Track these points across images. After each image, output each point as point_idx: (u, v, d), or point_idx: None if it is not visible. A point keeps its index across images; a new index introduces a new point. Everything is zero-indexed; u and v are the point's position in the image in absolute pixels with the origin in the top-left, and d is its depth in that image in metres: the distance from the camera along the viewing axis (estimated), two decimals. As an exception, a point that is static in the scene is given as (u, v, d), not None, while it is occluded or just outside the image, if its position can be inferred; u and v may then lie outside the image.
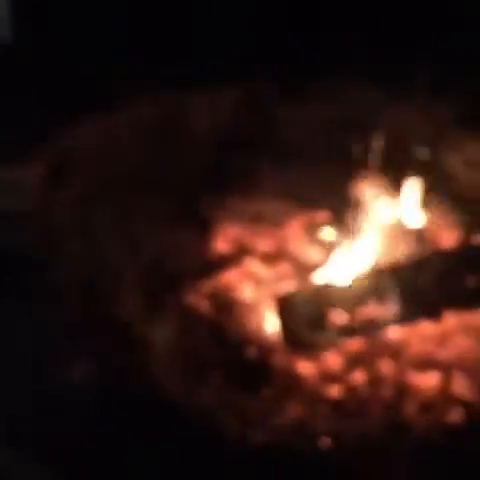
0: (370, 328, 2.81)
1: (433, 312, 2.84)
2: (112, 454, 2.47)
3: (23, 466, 2.37)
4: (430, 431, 2.54)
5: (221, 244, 3.28)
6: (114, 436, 2.52)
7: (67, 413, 2.55)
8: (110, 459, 2.46)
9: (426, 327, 2.84)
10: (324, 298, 2.86)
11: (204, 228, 3.31)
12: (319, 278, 3.02)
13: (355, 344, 2.78)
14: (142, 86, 3.63)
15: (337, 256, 3.12)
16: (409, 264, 2.98)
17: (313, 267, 3.11)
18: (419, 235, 3.27)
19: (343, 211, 3.26)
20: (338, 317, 2.81)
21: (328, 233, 3.24)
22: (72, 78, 3.90)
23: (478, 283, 2.89)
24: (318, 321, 2.81)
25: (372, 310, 2.82)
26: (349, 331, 2.80)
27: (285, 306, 2.87)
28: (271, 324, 2.88)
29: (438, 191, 3.40)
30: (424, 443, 2.51)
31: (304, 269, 3.13)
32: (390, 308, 2.81)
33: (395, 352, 2.75)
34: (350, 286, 2.90)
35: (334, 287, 2.92)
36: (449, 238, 3.28)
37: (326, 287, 2.93)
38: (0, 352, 2.80)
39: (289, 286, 3.02)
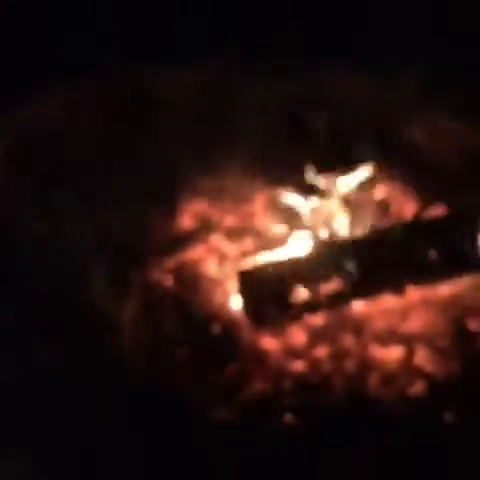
0: (333, 303, 2.82)
1: (395, 285, 2.84)
2: (80, 432, 2.46)
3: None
4: (393, 402, 2.56)
5: (186, 220, 3.27)
6: (82, 415, 2.51)
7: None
8: (79, 436, 2.46)
9: (389, 301, 2.85)
10: (287, 273, 2.86)
11: (169, 205, 3.30)
12: (282, 253, 3.00)
13: (319, 318, 2.80)
14: (107, 58, 3.58)
15: (300, 231, 3.11)
16: (370, 237, 2.99)
17: (277, 242, 3.10)
18: (382, 206, 3.27)
19: (306, 186, 3.23)
20: (301, 292, 2.83)
21: (291, 207, 3.22)
22: (34, 48, 3.75)
23: (440, 256, 2.87)
24: (281, 296, 2.82)
25: (334, 285, 2.83)
26: (312, 306, 2.81)
27: (247, 281, 2.87)
28: (235, 299, 2.89)
29: (401, 161, 3.41)
30: (387, 414, 2.53)
31: (268, 244, 3.11)
32: (352, 282, 2.83)
33: (358, 326, 2.78)
34: (312, 261, 2.90)
35: (296, 262, 2.91)
36: (411, 209, 3.27)
37: (289, 262, 2.92)
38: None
39: (253, 261, 3.00)
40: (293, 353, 2.71)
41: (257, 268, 2.93)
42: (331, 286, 2.82)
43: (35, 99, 3.42)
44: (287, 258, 2.95)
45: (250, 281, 2.86)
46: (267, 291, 2.82)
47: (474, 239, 2.86)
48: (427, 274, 2.86)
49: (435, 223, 3.03)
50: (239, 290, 2.87)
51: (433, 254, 2.86)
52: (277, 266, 2.90)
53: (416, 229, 2.98)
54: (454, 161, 3.41)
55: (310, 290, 2.81)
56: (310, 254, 2.95)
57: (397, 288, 2.84)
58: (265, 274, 2.87)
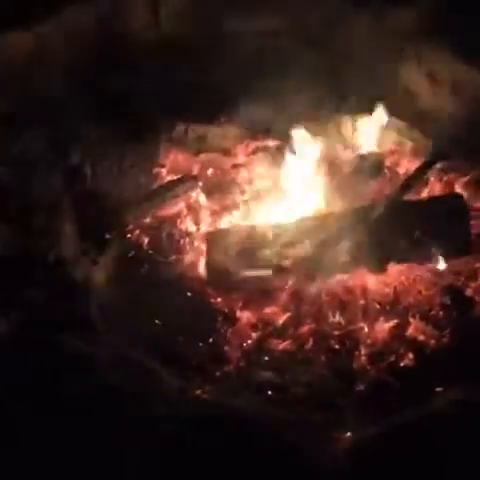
0: (301, 267, 2.56)
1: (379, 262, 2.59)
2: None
3: None
4: (382, 374, 2.38)
5: (164, 172, 3.01)
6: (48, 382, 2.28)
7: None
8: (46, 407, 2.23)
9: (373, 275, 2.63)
10: (258, 236, 2.62)
11: (147, 155, 3.02)
12: (259, 215, 2.80)
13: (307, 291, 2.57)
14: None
15: (285, 193, 2.87)
16: (354, 211, 2.70)
17: (260, 201, 2.88)
18: (376, 163, 3.01)
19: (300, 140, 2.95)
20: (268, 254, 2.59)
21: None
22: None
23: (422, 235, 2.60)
24: (247, 257, 2.57)
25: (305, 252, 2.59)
26: (277, 268, 2.55)
27: (213, 242, 2.64)
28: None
29: (398, 110, 3.15)
30: (376, 386, 2.35)
31: (251, 202, 2.89)
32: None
33: (347, 299, 2.56)
34: (288, 228, 2.64)
35: (271, 226, 2.67)
36: (407, 165, 3.06)
37: (262, 226, 2.68)
38: None
39: (227, 221, 2.81)
40: (272, 325, 2.51)
41: (226, 229, 2.71)
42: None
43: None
44: (263, 221, 2.73)
45: (216, 241, 2.63)
46: (232, 252, 2.57)
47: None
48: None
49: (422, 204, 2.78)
50: (206, 251, 2.65)
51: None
52: (249, 228, 2.66)
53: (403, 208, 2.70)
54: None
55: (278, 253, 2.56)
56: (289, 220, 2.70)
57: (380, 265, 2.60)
58: (234, 235, 2.62)
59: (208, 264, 2.61)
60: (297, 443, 2.14)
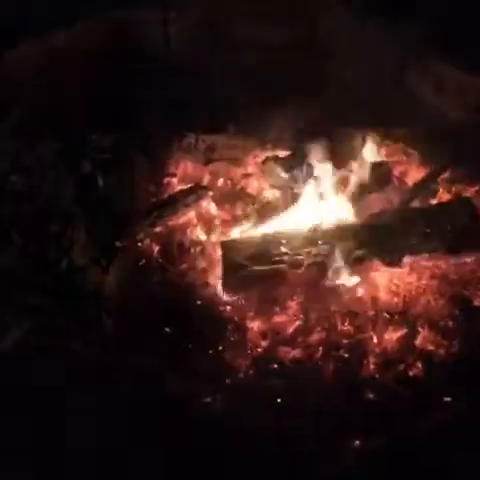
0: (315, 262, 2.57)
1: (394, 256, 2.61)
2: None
3: None
4: (391, 383, 2.36)
5: (175, 181, 3.01)
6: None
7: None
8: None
9: (390, 281, 2.63)
10: (270, 242, 2.61)
11: (158, 165, 3.02)
12: (271, 224, 2.77)
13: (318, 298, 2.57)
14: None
15: (297, 202, 2.85)
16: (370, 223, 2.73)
17: (269, 209, 2.88)
18: (385, 174, 3.00)
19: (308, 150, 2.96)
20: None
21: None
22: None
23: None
24: (260, 259, 2.57)
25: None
26: (294, 264, 2.55)
27: (228, 248, 2.62)
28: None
29: (408, 121, 3.17)
30: (385, 395, 2.33)
31: (262, 210, 2.88)
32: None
33: (352, 309, 2.55)
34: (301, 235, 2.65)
35: (284, 235, 2.66)
36: (415, 174, 3.07)
37: (275, 235, 2.66)
38: None
39: (241, 229, 2.79)
40: (282, 334, 2.49)
41: (241, 239, 2.70)
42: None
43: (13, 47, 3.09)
44: (275, 230, 2.70)
45: (232, 252, 2.61)
46: (247, 261, 2.56)
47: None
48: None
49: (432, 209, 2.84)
50: (221, 259, 2.63)
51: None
52: (262, 238, 2.66)
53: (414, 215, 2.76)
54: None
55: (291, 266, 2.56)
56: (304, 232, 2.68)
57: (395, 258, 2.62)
58: (246, 243, 2.63)
59: (224, 268, 2.60)
60: (305, 451, 2.15)
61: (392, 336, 2.48)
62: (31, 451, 2.08)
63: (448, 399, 2.30)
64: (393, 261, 2.62)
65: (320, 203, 2.83)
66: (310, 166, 2.93)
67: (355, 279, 2.59)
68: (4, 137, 2.93)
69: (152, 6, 3.38)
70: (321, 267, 2.58)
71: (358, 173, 2.93)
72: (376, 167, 2.97)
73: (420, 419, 2.25)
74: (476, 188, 2.98)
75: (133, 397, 2.15)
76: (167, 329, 2.50)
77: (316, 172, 2.91)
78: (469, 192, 2.97)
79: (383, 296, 2.59)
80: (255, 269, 2.55)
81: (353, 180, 2.90)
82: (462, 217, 2.72)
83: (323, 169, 2.89)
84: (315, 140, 2.96)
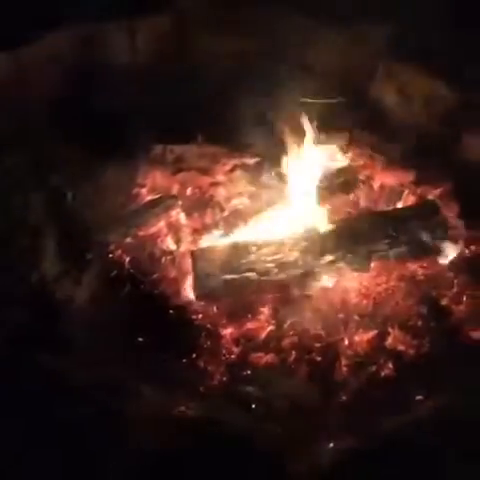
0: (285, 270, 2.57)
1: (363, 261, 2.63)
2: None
3: None
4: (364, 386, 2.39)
5: (144, 192, 3.01)
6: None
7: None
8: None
9: (360, 284, 2.65)
10: (240, 249, 2.60)
11: (126, 177, 3.02)
12: (241, 232, 2.78)
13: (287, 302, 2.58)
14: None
15: (265, 210, 2.88)
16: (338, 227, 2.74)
17: (240, 217, 2.88)
18: (352, 177, 3.05)
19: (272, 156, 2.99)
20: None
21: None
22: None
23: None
24: (231, 267, 2.56)
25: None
26: (264, 271, 2.55)
27: (199, 257, 2.61)
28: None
29: (372, 125, 3.21)
30: (357, 396, 2.35)
31: (231, 218, 2.89)
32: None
33: (323, 313, 2.57)
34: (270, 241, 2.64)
35: (254, 243, 2.64)
36: (381, 178, 3.10)
37: (245, 243, 2.64)
38: None
39: (211, 238, 2.79)
40: (255, 340, 2.50)
41: (211, 247, 2.67)
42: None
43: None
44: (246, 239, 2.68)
45: (202, 260, 2.59)
46: (218, 270, 2.56)
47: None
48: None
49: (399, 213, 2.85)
50: (192, 268, 2.61)
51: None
52: (232, 247, 2.63)
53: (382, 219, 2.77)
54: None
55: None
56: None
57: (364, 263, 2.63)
58: (217, 251, 2.61)
59: (195, 277, 2.59)
60: (281, 454, 2.14)
61: (363, 338, 2.50)
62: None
63: (419, 397, 2.31)
64: (360, 265, 2.64)
65: (288, 210, 2.84)
66: (277, 173, 2.96)
67: (325, 284, 2.61)
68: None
69: (119, 18, 3.37)
70: (291, 274, 2.58)
71: (325, 179, 2.97)
72: (343, 172, 3.01)
73: (392, 417, 2.26)
74: (440, 190, 3.03)
75: (105, 407, 2.13)
76: (140, 338, 2.50)
77: (284, 179, 2.94)
78: (433, 194, 3.01)
79: (353, 299, 2.61)
80: (226, 277, 2.54)
81: (320, 186, 2.92)
82: (428, 219, 2.74)
83: (291, 175, 2.91)
84: (283, 147, 2.99)
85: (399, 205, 2.97)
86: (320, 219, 2.79)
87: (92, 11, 3.25)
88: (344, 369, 2.42)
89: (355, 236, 2.65)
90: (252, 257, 2.57)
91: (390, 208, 2.94)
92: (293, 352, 2.45)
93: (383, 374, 2.42)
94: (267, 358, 2.43)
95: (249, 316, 2.54)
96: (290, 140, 2.96)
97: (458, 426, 2.13)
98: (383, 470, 2.10)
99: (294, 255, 2.58)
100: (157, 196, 2.93)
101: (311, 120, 3.03)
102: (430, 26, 3.13)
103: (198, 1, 3.52)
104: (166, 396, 2.23)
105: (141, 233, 2.80)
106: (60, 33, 3.29)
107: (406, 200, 3.00)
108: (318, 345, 2.47)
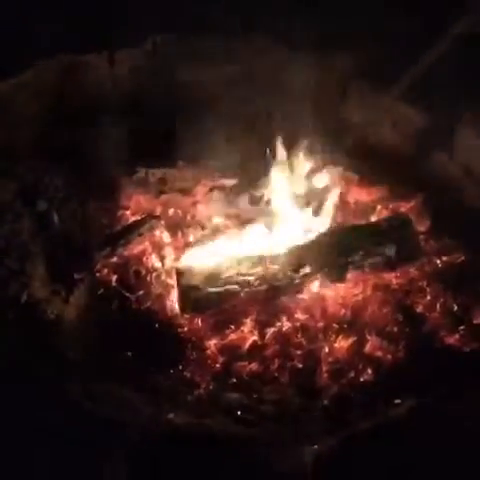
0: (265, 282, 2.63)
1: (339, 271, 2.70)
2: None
3: None
4: (344, 391, 2.44)
5: (128, 213, 3.07)
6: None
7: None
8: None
9: (337, 293, 2.72)
10: (222, 269, 2.66)
11: (110, 197, 3.09)
12: (221, 249, 2.82)
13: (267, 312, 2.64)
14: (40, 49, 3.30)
15: (244, 227, 2.95)
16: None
17: (220, 234, 2.94)
18: (323, 194, 3.10)
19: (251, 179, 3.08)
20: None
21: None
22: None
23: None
24: (213, 281, 2.62)
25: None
26: (245, 284, 2.61)
27: (182, 273, 2.67)
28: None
29: (339, 145, 3.28)
30: (338, 400, 2.41)
31: (210, 236, 2.96)
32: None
33: (303, 322, 2.63)
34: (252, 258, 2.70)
35: (234, 258, 2.71)
36: (356, 195, 3.23)
37: (226, 259, 2.72)
38: None
39: (192, 256, 2.82)
40: (240, 350, 2.55)
41: (193, 264, 2.73)
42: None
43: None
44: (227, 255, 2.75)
45: (186, 276, 2.65)
46: (201, 284, 2.62)
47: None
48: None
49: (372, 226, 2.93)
50: (176, 284, 2.67)
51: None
52: (214, 262, 2.71)
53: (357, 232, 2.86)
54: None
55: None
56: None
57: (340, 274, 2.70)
58: (200, 270, 2.67)
59: (180, 292, 2.64)
60: (266, 458, 2.18)
61: (342, 345, 2.56)
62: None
63: (398, 400, 2.35)
64: (337, 276, 2.70)
65: (265, 226, 2.91)
66: (253, 194, 3.05)
67: (304, 295, 2.67)
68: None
69: (98, 49, 3.45)
70: (271, 286, 2.64)
71: (301, 197, 3.05)
72: (319, 191, 3.10)
73: (372, 420, 2.31)
74: (411, 204, 3.12)
75: (97, 416, 2.16)
76: (128, 352, 2.54)
77: (260, 199, 3.02)
78: (405, 208, 3.10)
79: (331, 308, 2.67)
80: (209, 291, 2.60)
81: (296, 202, 3.00)
82: (400, 232, 2.82)
83: (268, 195, 3.00)
84: (258, 169, 3.08)
85: (373, 219, 3.06)
86: (297, 234, 2.86)
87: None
88: (325, 375, 2.48)
89: (331, 248, 2.72)
90: (233, 271, 2.63)
91: (364, 222, 3.02)
92: (276, 360, 2.50)
93: (362, 379, 2.48)
94: (251, 366, 2.48)
95: (232, 327, 2.59)
96: (267, 162, 3.06)
97: (433, 427, 2.18)
98: (362, 469, 2.15)
99: (273, 268, 2.65)
100: (141, 216, 2.98)
101: (286, 143, 3.14)
102: (398, 52, 3.25)
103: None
104: (155, 405, 2.26)
105: (126, 252, 2.84)
106: (42, 64, 3.35)
107: (379, 214, 3.09)
108: (299, 353, 2.52)
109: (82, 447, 2.11)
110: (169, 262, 2.83)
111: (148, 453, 2.12)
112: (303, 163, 3.18)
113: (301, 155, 3.17)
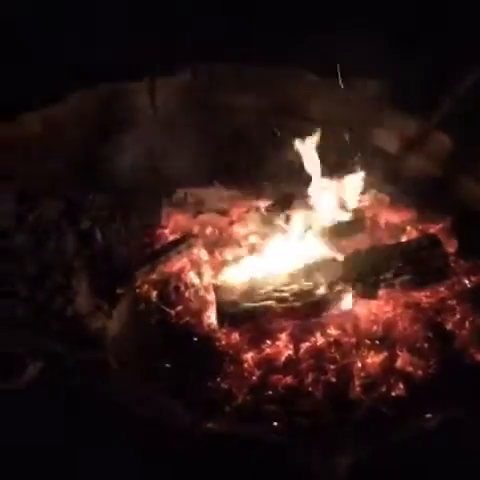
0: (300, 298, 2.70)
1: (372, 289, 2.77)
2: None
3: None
4: (376, 405, 2.49)
5: (167, 232, 3.17)
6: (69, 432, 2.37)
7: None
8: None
9: (370, 309, 2.79)
10: (258, 285, 2.75)
11: (151, 218, 3.19)
12: (257, 266, 2.92)
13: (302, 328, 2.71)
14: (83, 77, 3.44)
15: (279, 245, 3.04)
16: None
17: (256, 252, 3.04)
18: (358, 217, 3.21)
19: (286, 200, 3.16)
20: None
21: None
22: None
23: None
24: (249, 297, 2.70)
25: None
26: (280, 300, 2.68)
27: (220, 289, 2.76)
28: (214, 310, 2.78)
29: (373, 170, 3.35)
30: (370, 414, 2.46)
31: (248, 254, 3.05)
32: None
33: (336, 337, 2.70)
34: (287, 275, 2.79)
35: (270, 275, 2.80)
36: (386, 216, 3.29)
37: (262, 275, 2.81)
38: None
39: (230, 273, 2.92)
40: (277, 362, 2.61)
41: (230, 280, 2.83)
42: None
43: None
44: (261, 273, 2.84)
45: (223, 292, 2.75)
46: (238, 299, 2.70)
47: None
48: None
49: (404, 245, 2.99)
50: (214, 299, 2.76)
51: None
52: (250, 278, 2.80)
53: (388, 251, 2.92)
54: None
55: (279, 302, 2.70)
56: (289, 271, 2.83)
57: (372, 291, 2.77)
58: (237, 286, 2.76)
59: (218, 307, 2.73)
60: (301, 467, 2.24)
61: (374, 360, 2.62)
62: None
63: (428, 415, 2.39)
64: (369, 293, 2.77)
65: (300, 245, 3.00)
66: (288, 214, 3.14)
67: (337, 311, 2.74)
68: (9, 200, 3.08)
69: (139, 77, 3.58)
70: (305, 302, 2.71)
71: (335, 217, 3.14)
72: (351, 211, 3.19)
73: (403, 434, 2.36)
74: (440, 226, 3.18)
75: (143, 423, 2.25)
76: (168, 364, 2.63)
77: (295, 218, 3.11)
78: (434, 230, 3.17)
79: (363, 324, 2.73)
80: (246, 306, 2.68)
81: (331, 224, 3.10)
82: (430, 252, 2.88)
83: (302, 214, 3.09)
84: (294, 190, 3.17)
85: (403, 240, 3.13)
86: (331, 253, 2.94)
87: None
88: (357, 389, 2.54)
89: (364, 266, 2.79)
90: (269, 287, 2.71)
91: (395, 242, 3.09)
92: (310, 374, 2.57)
93: (394, 393, 2.54)
94: (286, 380, 2.55)
95: (268, 342, 2.67)
96: (302, 183, 3.15)
97: (463, 441, 2.23)
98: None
99: (307, 285, 2.73)
100: (180, 236, 3.08)
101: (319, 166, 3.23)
102: (428, 77, 3.33)
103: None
104: (194, 413, 2.34)
105: (166, 269, 2.93)
106: (84, 92, 3.49)
107: (409, 235, 3.16)
108: (333, 367, 2.59)
109: (130, 449, 2.21)
110: (207, 279, 2.92)
111: (188, 457, 2.21)
112: (337, 185, 3.26)
113: (335, 178, 3.26)
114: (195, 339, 2.71)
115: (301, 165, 3.26)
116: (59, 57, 3.41)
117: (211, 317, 2.76)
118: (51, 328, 2.62)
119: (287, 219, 3.12)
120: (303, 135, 3.30)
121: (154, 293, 2.88)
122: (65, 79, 3.40)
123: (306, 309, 2.68)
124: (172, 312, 2.81)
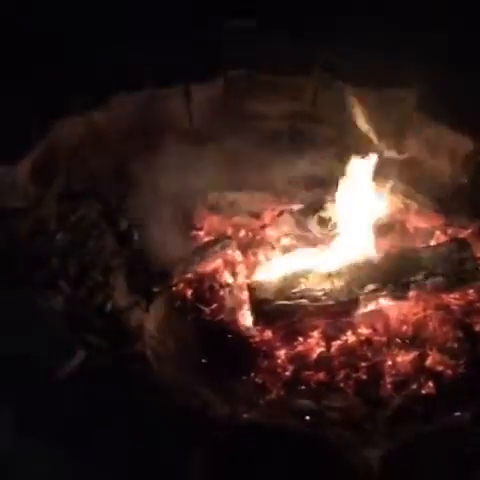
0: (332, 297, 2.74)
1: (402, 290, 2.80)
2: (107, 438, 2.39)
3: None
4: (405, 401, 2.55)
5: (202, 234, 3.24)
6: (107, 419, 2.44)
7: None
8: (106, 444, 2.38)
9: (401, 309, 2.83)
10: (291, 284, 2.78)
11: (185, 220, 3.26)
12: (290, 266, 2.93)
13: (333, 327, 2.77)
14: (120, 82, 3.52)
15: (312, 245, 3.10)
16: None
17: (289, 253, 3.08)
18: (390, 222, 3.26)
19: (317, 203, 3.23)
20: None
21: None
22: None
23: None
24: (283, 294, 2.74)
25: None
26: (313, 298, 2.72)
27: (254, 290, 2.79)
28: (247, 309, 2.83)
29: (402, 176, 3.40)
30: (400, 411, 2.52)
31: (281, 254, 3.09)
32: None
33: (368, 336, 2.75)
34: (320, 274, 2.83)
35: (302, 274, 2.82)
36: (414, 222, 3.31)
37: (294, 275, 2.83)
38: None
39: (263, 272, 2.97)
40: (307, 360, 2.68)
41: (263, 280, 2.86)
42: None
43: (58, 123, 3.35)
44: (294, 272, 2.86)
45: (257, 291, 2.78)
46: (272, 298, 2.74)
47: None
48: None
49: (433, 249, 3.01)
50: (249, 301, 2.80)
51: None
52: (284, 279, 2.82)
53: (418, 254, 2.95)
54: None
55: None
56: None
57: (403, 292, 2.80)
58: (270, 285, 2.79)
59: (252, 306, 2.78)
60: (332, 458, 2.29)
61: (404, 359, 2.67)
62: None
63: (457, 413, 2.45)
64: (400, 294, 2.81)
65: (333, 247, 3.06)
66: (320, 217, 3.19)
67: (368, 310, 2.79)
68: (51, 201, 3.17)
69: (175, 82, 3.65)
70: (337, 301, 2.76)
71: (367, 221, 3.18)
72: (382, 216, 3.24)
73: (432, 431, 2.41)
74: (469, 231, 3.22)
75: (185, 414, 2.32)
76: (204, 360, 2.69)
77: (326, 222, 3.17)
78: (462, 234, 3.20)
79: (394, 324, 2.79)
80: (279, 304, 2.73)
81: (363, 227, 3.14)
82: (460, 255, 2.91)
83: (335, 218, 3.16)
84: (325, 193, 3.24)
85: (432, 244, 3.17)
86: (363, 254, 2.99)
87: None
88: (388, 386, 2.59)
89: (395, 268, 2.83)
90: (302, 286, 2.77)
91: (424, 245, 3.14)
92: (341, 371, 2.63)
93: (424, 391, 2.59)
94: (318, 376, 2.61)
95: (301, 339, 2.73)
96: (333, 186, 3.20)
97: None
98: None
99: (339, 284, 2.78)
100: (214, 237, 3.15)
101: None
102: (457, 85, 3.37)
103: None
104: (231, 406, 2.41)
105: (201, 269, 3.01)
106: (124, 96, 3.57)
107: (437, 240, 3.20)
108: (364, 365, 2.65)
109: (172, 435, 2.29)
110: (241, 278, 2.98)
111: (225, 446, 2.27)
112: (368, 188, 3.26)
113: (366, 180, 3.28)
114: (229, 336, 2.78)
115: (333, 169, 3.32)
116: (104, 60, 3.49)
117: (245, 315, 2.82)
118: (92, 322, 2.71)
119: (319, 222, 3.17)
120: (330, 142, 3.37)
121: (189, 292, 2.95)
122: (108, 83, 3.50)
123: (338, 308, 2.73)
124: (207, 310, 2.88)
